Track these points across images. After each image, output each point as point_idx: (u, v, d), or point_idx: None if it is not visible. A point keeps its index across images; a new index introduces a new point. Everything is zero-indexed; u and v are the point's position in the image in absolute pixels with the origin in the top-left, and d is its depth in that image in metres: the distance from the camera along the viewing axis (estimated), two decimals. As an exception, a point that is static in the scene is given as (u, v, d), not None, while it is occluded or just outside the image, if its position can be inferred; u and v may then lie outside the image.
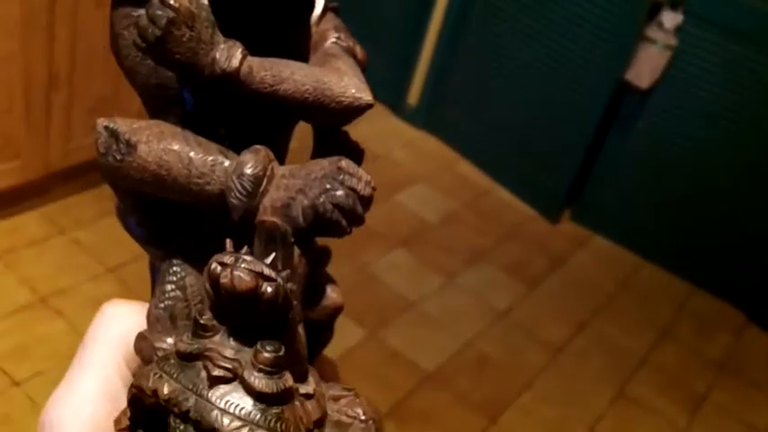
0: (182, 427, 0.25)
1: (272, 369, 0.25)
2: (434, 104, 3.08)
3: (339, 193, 0.28)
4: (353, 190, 0.28)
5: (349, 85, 0.30)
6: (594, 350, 2.32)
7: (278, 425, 0.25)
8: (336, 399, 0.30)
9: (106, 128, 0.29)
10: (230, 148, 0.30)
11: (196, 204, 0.30)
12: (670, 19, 2.46)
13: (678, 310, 2.60)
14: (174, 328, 0.31)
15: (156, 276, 0.32)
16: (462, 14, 2.89)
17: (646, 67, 2.50)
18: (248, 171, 0.28)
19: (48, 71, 1.92)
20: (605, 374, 2.25)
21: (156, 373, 0.26)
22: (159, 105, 0.31)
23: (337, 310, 0.34)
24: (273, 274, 0.26)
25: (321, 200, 0.28)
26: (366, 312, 2.18)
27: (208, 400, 0.25)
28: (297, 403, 0.27)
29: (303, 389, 0.28)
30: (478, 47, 2.90)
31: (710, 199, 2.58)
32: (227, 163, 0.29)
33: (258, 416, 0.25)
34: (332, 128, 0.31)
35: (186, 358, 0.26)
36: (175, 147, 0.29)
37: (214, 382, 0.25)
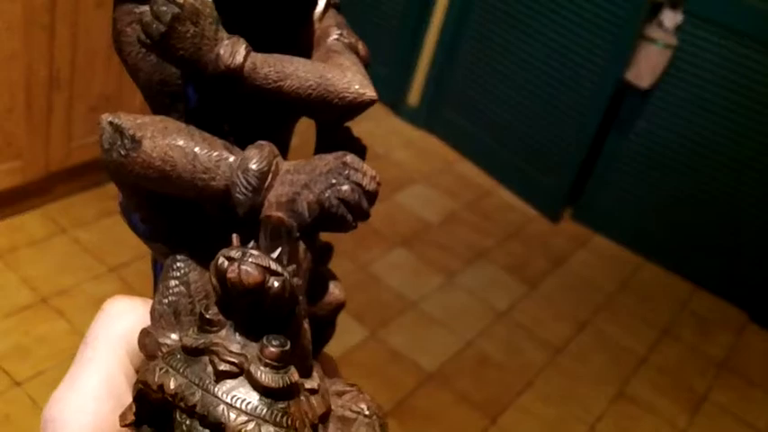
0: (188, 422, 0.25)
1: (279, 364, 0.26)
2: (435, 104, 3.08)
3: (344, 187, 0.28)
4: (359, 185, 0.28)
5: (352, 81, 0.30)
6: (595, 350, 2.32)
7: (284, 419, 0.25)
8: (340, 394, 0.30)
9: (110, 123, 0.29)
10: (234, 144, 0.30)
11: (201, 200, 0.30)
12: (670, 18, 2.46)
13: (678, 309, 2.60)
14: (178, 324, 0.30)
15: (159, 273, 0.32)
16: (462, 14, 2.89)
17: (646, 66, 2.50)
18: (253, 166, 0.28)
19: (49, 71, 1.92)
20: (606, 374, 2.25)
21: (162, 368, 0.26)
22: (162, 102, 0.31)
23: (340, 306, 0.34)
24: (280, 269, 0.26)
25: (327, 195, 0.28)
26: (366, 312, 2.18)
27: (214, 395, 0.25)
28: (302, 398, 0.27)
29: (308, 384, 0.28)
30: (479, 47, 2.90)
31: (711, 198, 2.58)
32: (231, 158, 0.29)
33: (264, 410, 0.25)
34: (335, 124, 0.31)
35: (192, 353, 0.26)
36: (180, 142, 0.29)
37: (220, 376, 0.25)
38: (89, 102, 2.05)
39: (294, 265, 0.27)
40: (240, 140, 0.30)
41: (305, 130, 0.37)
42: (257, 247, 0.26)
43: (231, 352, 0.26)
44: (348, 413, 0.30)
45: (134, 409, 0.28)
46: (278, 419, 0.25)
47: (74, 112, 2.03)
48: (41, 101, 1.94)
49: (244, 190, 0.28)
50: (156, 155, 0.28)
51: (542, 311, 2.40)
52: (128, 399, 0.29)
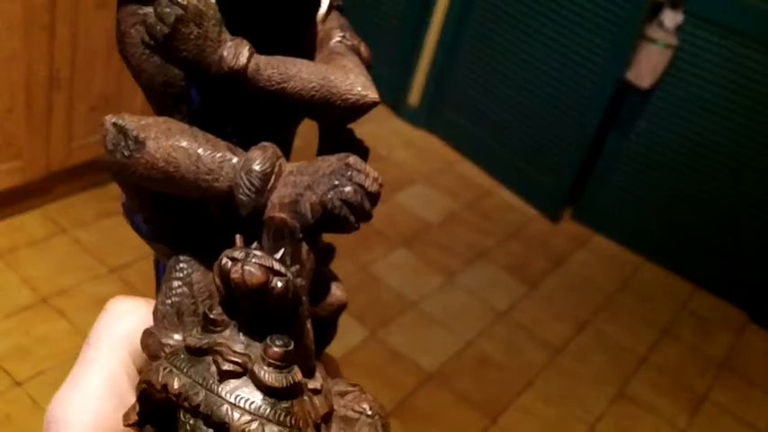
0: (191, 421, 0.26)
1: (282, 364, 0.26)
2: (435, 104, 3.08)
3: (347, 189, 0.28)
4: (361, 186, 0.28)
5: (355, 82, 0.30)
6: (595, 350, 2.32)
7: (287, 419, 0.26)
8: (342, 394, 0.30)
9: (114, 124, 0.29)
10: (237, 146, 0.30)
11: (204, 201, 0.30)
12: (670, 18, 2.46)
13: (679, 309, 2.60)
14: (181, 325, 0.31)
15: (162, 273, 0.33)
16: (463, 14, 2.90)
17: (646, 66, 2.50)
18: (257, 168, 0.28)
19: (49, 71, 1.92)
20: (606, 374, 2.25)
21: (165, 368, 0.26)
22: (166, 103, 0.31)
23: (341, 307, 0.34)
24: (283, 270, 0.26)
25: (329, 196, 0.28)
26: (367, 312, 2.18)
27: (218, 395, 0.25)
28: (305, 398, 0.27)
29: (311, 384, 0.28)
30: (479, 47, 2.91)
31: (711, 198, 2.58)
32: (235, 160, 0.29)
33: (268, 410, 0.25)
34: (338, 125, 0.31)
35: (196, 353, 0.26)
36: (184, 143, 0.29)
37: (224, 376, 0.26)
38: (89, 102, 2.05)
39: (297, 266, 0.27)
40: (243, 142, 0.30)
41: (307, 131, 0.37)
42: (260, 248, 0.26)
43: (235, 352, 0.26)
44: (351, 413, 0.30)
45: (137, 409, 0.28)
46: (281, 419, 0.25)
47: (74, 112, 2.03)
48: (41, 101, 1.94)
49: (247, 191, 0.28)
50: (159, 156, 0.28)
51: (542, 311, 2.40)
52: (130, 399, 0.30)
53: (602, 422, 2.08)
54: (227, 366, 0.26)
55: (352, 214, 0.28)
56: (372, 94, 0.30)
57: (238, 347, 0.26)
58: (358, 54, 0.32)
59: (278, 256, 0.26)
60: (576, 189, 2.81)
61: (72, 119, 2.04)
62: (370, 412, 0.30)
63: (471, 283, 2.43)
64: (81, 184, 2.20)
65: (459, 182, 2.91)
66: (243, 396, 0.25)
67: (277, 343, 0.26)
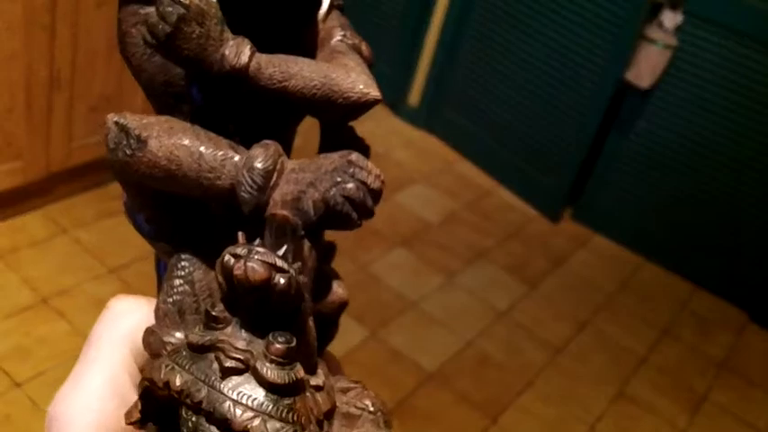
0: (193, 418, 0.26)
1: (284, 360, 0.26)
2: (435, 104, 3.08)
3: (350, 185, 0.28)
4: (364, 183, 0.28)
5: (357, 80, 0.30)
6: (595, 350, 2.32)
7: (290, 415, 0.26)
8: (344, 391, 0.30)
9: (116, 123, 0.29)
10: (239, 144, 0.30)
11: (206, 199, 0.30)
12: (670, 19, 2.46)
13: (679, 309, 2.60)
14: (183, 323, 0.31)
15: (163, 272, 0.33)
16: (463, 14, 2.90)
17: (646, 66, 2.50)
18: (259, 165, 0.28)
19: (49, 71, 1.92)
20: (606, 374, 2.25)
21: (167, 365, 0.26)
22: (167, 102, 0.31)
23: (343, 305, 0.34)
24: (286, 266, 0.26)
25: (332, 193, 0.28)
26: (367, 312, 2.18)
27: (220, 392, 0.25)
28: (308, 394, 0.27)
29: (313, 381, 0.28)
30: (479, 47, 2.91)
31: (711, 198, 2.58)
32: (237, 158, 0.29)
33: (270, 406, 0.25)
34: (339, 123, 0.32)
35: (198, 350, 0.26)
36: (186, 142, 0.29)
37: (226, 373, 0.26)
38: (89, 102, 2.05)
39: (299, 263, 0.27)
40: (245, 140, 0.30)
41: (307, 129, 0.37)
42: (263, 245, 0.26)
43: (237, 349, 0.26)
44: (353, 410, 0.30)
45: (139, 407, 0.28)
46: (284, 415, 0.25)
47: (74, 112, 2.03)
48: (42, 101, 1.94)
49: (249, 188, 0.28)
50: (161, 154, 0.29)
51: (542, 311, 2.40)
52: (132, 398, 0.30)
53: (603, 422, 2.09)
54: (229, 363, 0.26)
55: (354, 211, 0.28)
56: (374, 92, 0.30)
57: (240, 344, 0.26)
58: (359, 53, 0.32)
59: (280, 252, 0.26)
60: (575, 189, 2.81)
61: (72, 119, 2.04)
62: (372, 409, 0.30)
63: (471, 283, 2.43)
64: (82, 185, 2.20)
65: (459, 182, 2.91)
66: (245, 393, 0.25)
67: (279, 339, 0.26)
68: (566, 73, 2.67)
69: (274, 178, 0.28)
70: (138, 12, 0.30)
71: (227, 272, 0.26)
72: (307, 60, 0.30)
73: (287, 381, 0.26)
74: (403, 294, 2.30)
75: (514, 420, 2.01)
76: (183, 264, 0.31)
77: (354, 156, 0.29)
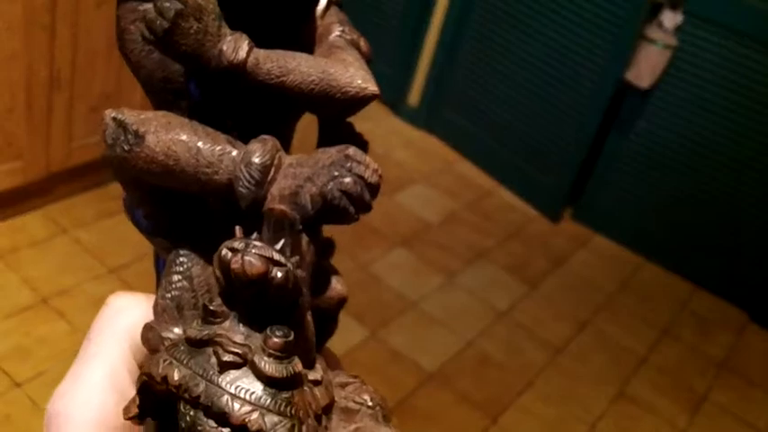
0: (192, 413, 0.26)
1: (282, 354, 0.26)
2: (435, 104, 3.08)
3: (347, 180, 0.28)
4: (361, 177, 0.28)
5: (355, 75, 0.30)
6: (595, 350, 2.32)
7: (288, 409, 0.26)
8: (343, 386, 0.30)
9: (114, 119, 0.29)
10: (237, 140, 0.30)
11: (204, 194, 0.30)
12: (670, 19, 2.47)
13: (679, 309, 2.60)
14: (181, 319, 0.31)
15: (162, 269, 0.33)
16: (463, 14, 2.90)
17: (646, 66, 2.50)
18: (256, 160, 0.28)
19: (49, 71, 1.92)
20: (606, 374, 2.25)
21: (165, 360, 0.26)
22: (165, 99, 0.31)
23: (342, 301, 0.34)
24: (283, 260, 0.26)
25: (329, 187, 0.28)
26: (367, 312, 2.18)
27: (218, 386, 0.25)
28: (306, 389, 0.27)
29: (311, 375, 0.28)
30: (479, 47, 2.91)
31: (711, 198, 2.58)
32: (234, 152, 0.29)
33: (268, 400, 0.25)
34: (337, 119, 0.32)
35: (196, 344, 0.26)
36: (183, 137, 0.29)
37: (224, 367, 0.26)
38: (90, 102, 2.05)
39: (297, 257, 0.27)
40: (243, 136, 0.30)
41: (305, 126, 0.37)
42: (260, 239, 0.26)
43: (235, 343, 0.26)
44: (351, 404, 0.30)
45: (138, 402, 0.28)
46: (282, 409, 0.25)
47: (74, 112, 2.03)
48: (42, 101, 1.94)
49: (247, 183, 0.28)
50: (159, 150, 0.29)
51: (542, 311, 2.40)
52: (131, 393, 0.30)
53: (603, 422, 2.09)
54: (227, 357, 0.26)
55: (351, 205, 0.28)
56: (372, 87, 0.30)
57: (238, 338, 0.26)
58: (357, 48, 0.32)
59: (278, 246, 0.26)
60: (576, 189, 2.82)
61: (72, 119, 2.04)
62: (370, 403, 0.30)
63: (471, 283, 2.43)
64: (82, 185, 2.20)
65: (459, 182, 2.91)
66: (243, 386, 0.25)
67: (277, 333, 0.26)
68: (565, 73, 2.67)
69: (272, 173, 0.28)
70: (136, 8, 0.30)
71: (225, 266, 0.26)
72: (305, 56, 0.30)
73: (285, 375, 0.26)
74: (403, 294, 2.30)
75: (515, 420, 2.01)
76: (181, 259, 0.31)
77: (352, 150, 0.29)
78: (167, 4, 0.27)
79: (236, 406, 0.25)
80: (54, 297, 1.91)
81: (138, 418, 0.28)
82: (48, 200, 2.15)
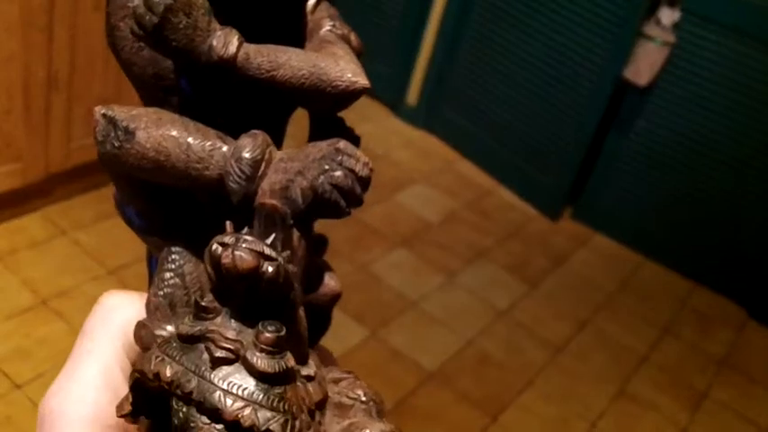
0: (184, 409, 0.26)
1: (274, 349, 0.26)
2: (434, 104, 3.08)
3: (338, 173, 0.28)
4: (351, 170, 0.28)
5: (345, 69, 0.30)
6: (595, 348, 2.32)
7: (280, 404, 0.25)
8: (336, 381, 0.30)
9: (104, 115, 0.29)
10: (228, 135, 0.30)
11: (194, 190, 0.30)
12: (668, 16, 2.46)
13: (679, 307, 2.60)
14: (174, 316, 0.31)
15: (154, 267, 0.33)
16: (462, 14, 2.90)
17: (644, 64, 2.50)
18: (246, 155, 0.28)
19: (47, 72, 1.92)
20: (606, 372, 2.25)
21: (157, 357, 0.26)
22: (156, 96, 0.31)
23: (335, 298, 0.34)
24: (274, 254, 0.26)
25: (320, 180, 0.28)
26: (367, 312, 2.18)
27: (210, 382, 0.25)
28: (299, 384, 0.27)
29: (304, 371, 0.28)
30: (478, 46, 2.91)
31: (711, 196, 2.58)
32: (225, 148, 0.29)
33: (261, 396, 0.25)
34: (328, 113, 0.32)
35: (188, 340, 0.26)
36: (174, 133, 0.29)
37: (216, 363, 0.25)
38: (88, 103, 2.05)
39: (288, 252, 0.27)
40: (234, 132, 0.30)
41: (298, 120, 0.37)
42: (251, 234, 0.26)
43: (227, 338, 0.26)
44: (345, 400, 0.30)
45: (131, 399, 0.28)
46: (274, 404, 0.25)
47: (72, 113, 2.04)
48: (40, 102, 1.94)
49: (237, 178, 0.28)
50: (149, 145, 0.28)
51: (543, 310, 2.40)
52: (124, 391, 0.30)
53: (603, 420, 2.08)
54: (219, 353, 0.25)
55: (342, 199, 0.28)
56: (362, 81, 0.30)
57: (230, 334, 0.26)
58: (348, 43, 0.32)
59: (269, 241, 0.26)
60: (575, 188, 2.81)
61: (71, 120, 2.04)
62: (364, 398, 0.30)
63: (471, 283, 2.43)
64: (80, 186, 2.20)
65: (458, 181, 2.91)
66: (235, 382, 0.25)
67: (269, 329, 0.26)
68: (565, 72, 2.67)
69: (262, 168, 0.28)
70: (126, 5, 0.30)
71: (216, 261, 0.26)
72: (295, 50, 0.30)
73: (277, 370, 0.25)
74: (403, 294, 2.30)
75: (515, 419, 2.01)
76: (173, 257, 0.31)
77: (342, 143, 0.29)
78: (156, 0, 0.27)
79: (229, 402, 0.25)
80: (53, 298, 1.91)
81: (132, 416, 0.28)
82: (47, 201, 2.15)
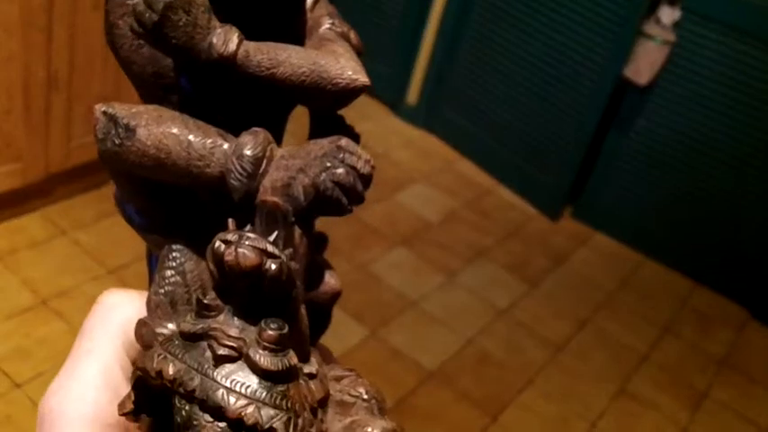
0: (187, 407, 0.25)
1: (277, 347, 0.26)
2: (434, 103, 3.08)
3: (339, 170, 0.28)
4: (353, 168, 0.28)
5: (345, 67, 0.30)
6: (596, 347, 2.32)
7: (283, 402, 0.25)
8: (338, 379, 0.30)
9: (104, 113, 0.29)
10: (229, 133, 0.30)
11: (196, 187, 0.30)
12: (668, 15, 2.46)
13: (679, 306, 2.60)
14: (175, 314, 0.30)
15: (154, 265, 0.32)
16: (462, 14, 2.90)
17: (644, 63, 2.50)
18: (248, 152, 0.28)
19: (47, 72, 1.92)
20: (606, 371, 2.25)
21: (160, 354, 0.26)
22: (156, 94, 0.31)
23: (336, 295, 0.34)
24: (277, 252, 0.26)
25: (322, 178, 0.28)
26: (367, 311, 2.18)
27: (213, 379, 0.25)
28: (301, 382, 0.27)
29: (306, 368, 0.28)
30: (478, 46, 2.91)
31: (711, 195, 2.58)
32: (226, 145, 0.29)
33: (264, 393, 0.25)
34: (328, 111, 0.31)
35: (190, 338, 0.26)
36: (174, 130, 0.29)
37: (219, 360, 0.25)
38: (88, 102, 2.05)
39: (290, 249, 0.27)
40: (235, 129, 0.30)
41: (297, 118, 0.37)
42: (253, 231, 0.26)
43: (229, 336, 0.26)
44: (347, 397, 0.30)
45: (133, 398, 0.28)
46: (277, 402, 0.25)
47: (72, 112, 2.03)
48: (40, 102, 1.94)
49: (239, 176, 0.28)
50: (150, 143, 0.28)
51: (543, 309, 2.40)
52: (124, 390, 0.29)
53: (604, 419, 2.08)
54: (221, 351, 0.25)
55: (344, 196, 0.28)
56: (363, 78, 0.30)
57: (233, 332, 0.26)
58: (347, 41, 0.32)
59: (271, 238, 0.26)
60: (575, 187, 2.81)
61: (71, 120, 2.04)
62: (366, 396, 0.30)
63: (471, 282, 2.43)
64: (81, 186, 2.20)
65: (458, 181, 2.91)
66: (238, 380, 0.25)
67: (272, 326, 0.26)
68: (565, 71, 2.67)
69: (264, 165, 0.28)
70: (125, 3, 0.30)
71: (218, 258, 0.26)
72: (295, 48, 0.29)
73: (280, 367, 0.25)
74: (403, 293, 2.30)
75: (515, 418, 2.01)
76: (174, 255, 0.31)
77: (344, 141, 0.29)
78: None
79: (232, 400, 0.25)
80: (53, 298, 1.91)
81: (134, 414, 0.28)
82: (47, 201, 2.15)
